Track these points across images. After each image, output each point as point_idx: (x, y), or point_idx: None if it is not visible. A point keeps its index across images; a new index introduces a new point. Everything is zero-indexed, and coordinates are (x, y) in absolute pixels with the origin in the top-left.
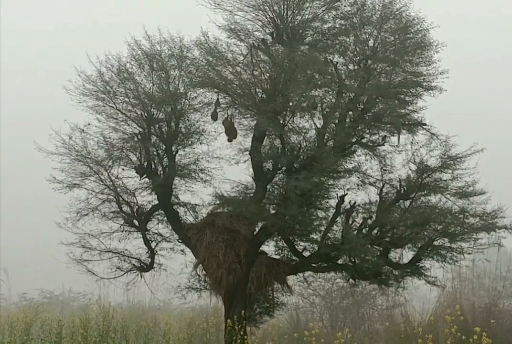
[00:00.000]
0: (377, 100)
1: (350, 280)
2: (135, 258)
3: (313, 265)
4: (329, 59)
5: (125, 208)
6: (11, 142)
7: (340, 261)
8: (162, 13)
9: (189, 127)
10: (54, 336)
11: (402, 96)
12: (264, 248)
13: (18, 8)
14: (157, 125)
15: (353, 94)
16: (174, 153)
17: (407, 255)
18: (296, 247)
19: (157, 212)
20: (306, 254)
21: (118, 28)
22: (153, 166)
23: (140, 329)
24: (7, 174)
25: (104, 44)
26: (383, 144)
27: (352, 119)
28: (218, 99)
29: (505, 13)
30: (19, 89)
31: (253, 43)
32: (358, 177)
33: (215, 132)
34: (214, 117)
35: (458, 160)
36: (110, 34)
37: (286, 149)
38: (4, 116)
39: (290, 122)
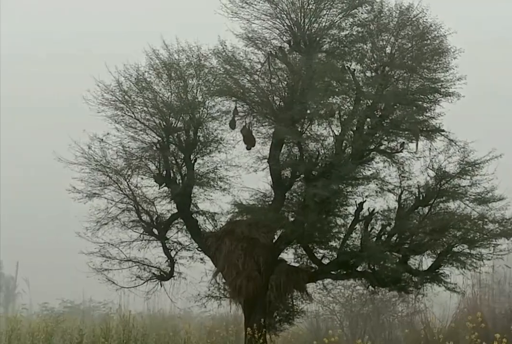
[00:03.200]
0: (395, 106)
1: (370, 287)
2: (154, 267)
3: (333, 272)
4: (347, 66)
5: (145, 217)
6: (31, 153)
7: (359, 268)
8: (180, 22)
9: (207, 135)
10: None
11: (419, 102)
12: (283, 256)
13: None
14: (176, 134)
15: (371, 101)
16: (192, 161)
17: (426, 261)
18: (315, 254)
19: (176, 221)
20: (325, 261)
21: (136, 37)
22: (172, 175)
23: (160, 338)
24: (28, 182)
25: (122, 54)
26: (401, 151)
27: (370, 126)
28: (236, 107)
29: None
30: (36, 97)
31: (270, 51)
32: (377, 184)
33: (233, 140)
34: (232, 125)
35: (476, 166)
36: (128, 44)
37: (304, 157)
38: (22, 127)
39: (308, 129)
